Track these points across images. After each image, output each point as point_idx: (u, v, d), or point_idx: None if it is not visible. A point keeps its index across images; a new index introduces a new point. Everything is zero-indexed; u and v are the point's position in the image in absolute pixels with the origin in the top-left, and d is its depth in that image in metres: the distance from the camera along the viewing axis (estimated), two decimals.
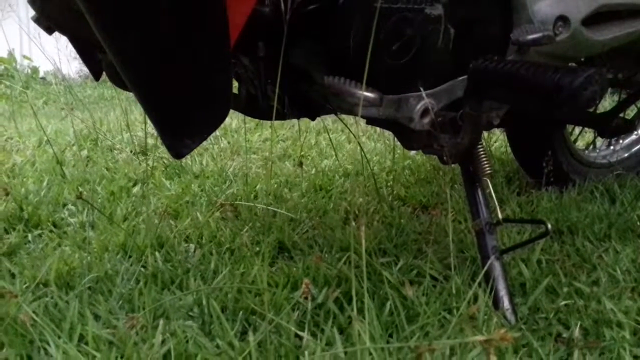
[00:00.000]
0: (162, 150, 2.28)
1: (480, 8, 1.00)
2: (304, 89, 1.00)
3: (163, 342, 0.84)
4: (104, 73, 1.08)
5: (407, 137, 1.06)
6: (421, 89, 0.95)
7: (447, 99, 0.99)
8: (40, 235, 1.34)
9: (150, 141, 2.44)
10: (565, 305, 0.98)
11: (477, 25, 1.00)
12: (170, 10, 0.67)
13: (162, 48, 0.69)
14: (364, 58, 0.86)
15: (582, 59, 1.37)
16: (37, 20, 0.92)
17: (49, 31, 0.91)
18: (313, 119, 1.13)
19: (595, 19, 1.10)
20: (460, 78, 0.98)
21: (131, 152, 2.28)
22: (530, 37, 0.99)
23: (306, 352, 0.78)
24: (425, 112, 0.96)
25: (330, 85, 0.86)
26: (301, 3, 0.82)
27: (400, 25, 0.88)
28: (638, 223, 1.34)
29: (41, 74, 7.37)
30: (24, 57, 6.98)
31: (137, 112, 3.50)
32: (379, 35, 0.85)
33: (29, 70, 7.32)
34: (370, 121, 1.10)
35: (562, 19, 1.04)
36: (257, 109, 1.11)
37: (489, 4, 1.01)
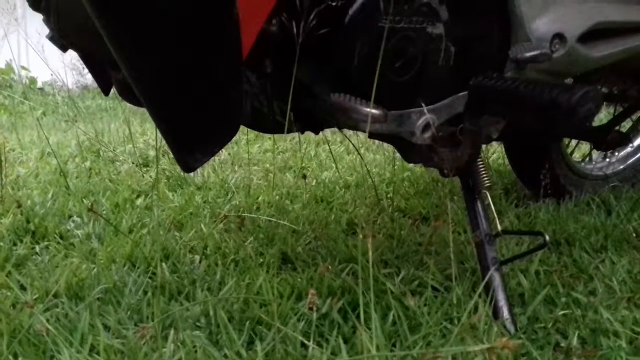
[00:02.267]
0: (164, 162, 2.31)
1: (479, 27, 1.04)
2: (309, 104, 1.02)
3: (173, 353, 0.86)
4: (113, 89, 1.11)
5: (409, 150, 1.09)
6: (422, 104, 0.98)
7: (447, 114, 1.02)
8: (47, 247, 1.36)
9: (152, 153, 2.47)
10: (564, 315, 1.01)
11: (476, 43, 1.03)
12: (187, 28, 0.69)
13: (178, 65, 0.72)
14: (367, 75, 0.89)
15: (579, 75, 1.40)
16: (52, 38, 0.95)
17: (63, 49, 0.94)
18: (317, 133, 1.16)
19: (591, 35, 1.14)
20: (461, 94, 1.01)
21: (133, 163, 2.30)
22: (528, 54, 1.03)
23: None
24: (426, 127, 0.99)
25: (336, 102, 0.89)
26: (314, 28, 0.85)
27: (403, 43, 0.91)
28: (634, 234, 1.37)
29: (39, 85, 7.40)
30: (22, 67, 7.02)
31: (137, 124, 3.52)
32: (382, 53, 0.88)
33: (27, 81, 7.35)
34: (372, 135, 1.13)
35: (559, 37, 1.08)
36: (261, 123, 1.14)
37: (487, 23, 1.04)
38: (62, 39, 0.92)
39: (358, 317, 0.94)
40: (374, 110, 0.88)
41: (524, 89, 0.85)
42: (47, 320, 0.93)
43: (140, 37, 0.71)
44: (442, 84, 1.00)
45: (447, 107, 1.02)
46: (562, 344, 0.93)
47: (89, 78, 8.26)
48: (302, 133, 1.20)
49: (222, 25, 0.73)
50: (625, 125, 1.72)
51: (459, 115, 1.02)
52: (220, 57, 0.76)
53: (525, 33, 1.05)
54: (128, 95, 1.04)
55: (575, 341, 0.92)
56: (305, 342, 0.86)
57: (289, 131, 1.11)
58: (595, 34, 1.16)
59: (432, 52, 0.96)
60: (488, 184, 1.09)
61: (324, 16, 0.88)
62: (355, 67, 0.90)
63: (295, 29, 0.84)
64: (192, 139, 0.82)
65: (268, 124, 1.09)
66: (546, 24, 1.07)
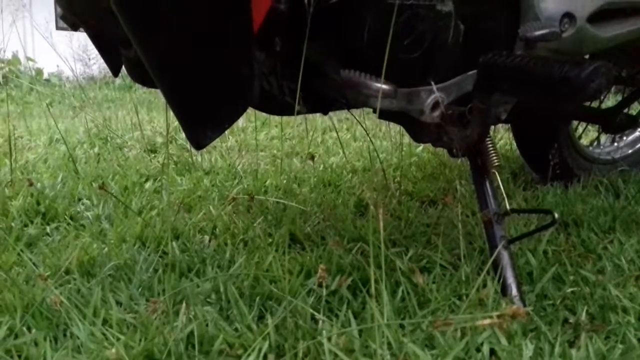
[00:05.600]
0: (172, 148, 2.32)
1: (488, 5, 1.04)
2: (318, 83, 1.03)
3: (184, 325, 0.87)
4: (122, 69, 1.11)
5: (417, 130, 1.09)
6: (432, 82, 0.98)
7: (456, 93, 1.02)
8: (57, 228, 1.37)
9: (159, 139, 2.48)
10: (572, 292, 1.01)
11: (485, 21, 1.03)
12: (199, 1, 0.70)
13: (190, 40, 0.73)
14: (377, 52, 0.89)
15: (587, 57, 1.40)
16: (63, 17, 0.95)
17: (74, 27, 0.95)
18: (325, 113, 1.16)
19: (600, 16, 1.13)
20: (470, 73, 1.01)
21: (141, 149, 2.31)
22: (538, 33, 1.03)
23: (324, 332, 0.82)
24: (435, 105, 0.99)
25: (346, 79, 0.89)
26: (323, 5, 0.85)
27: (412, 20, 0.91)
28: None
29: (45, 76, 7.43)
30: (28, 58, 7.04)
31: (144, 112, 3.54)
32: (392, 30, 0.89)
33: (33, 72, 7.37)
34: (381, 115, 1.13)
35: (568, 16, 1.07)
36: (270, 104, 1.15)
37: (496, 2, 1.04)
38: (73, 17, 0.92)
39: (367, 294, 0.95)
40: (384, 86, 0.88)
41: (534, 65, 0.85)
42: (60, 296, 0.94)
43: (152, 11, 0.72)
44: (451, 62, 1.00)
45: (456, 85, 1.01)
46: (571, 320, 0.93)
47: (94, 69, 8.27)
48: (312, 114, 1.21)
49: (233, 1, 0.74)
50: (634, 109, 1.71)
51: (468, 94, 1.02)
52: (231, 32, 0.76)
53: (535, 12, 1.04)
54: (138, 74, 1.05)
55: (584, 317, 0.92)
56: (316, 314, 0.87)
57: (298, 112, 1.12)
58: (604, 14, 1.15)
59: (442, 30, 0.95)
60: (497, 164, 1.10)
61: None
62: (365, 44, 0.90)
63: (306, 4, 0.84)
64: (203, 114, 0.83)
65: (277, 105, 1.10)
66: (555, 3, 1.07)
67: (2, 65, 6.51)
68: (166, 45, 0.74)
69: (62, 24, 9.22)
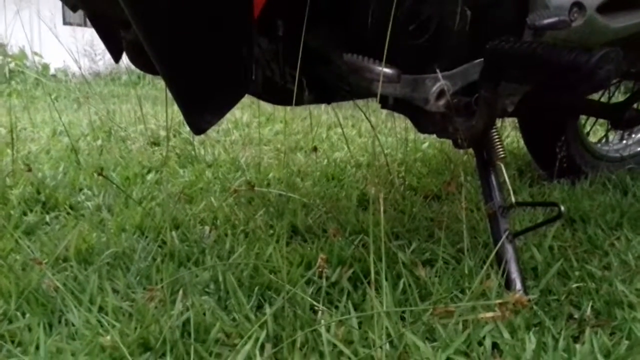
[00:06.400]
0: (175, 141, 2.31)
1: None
2: (322, 70, 1.01)
3: (181, 313, 0.85)
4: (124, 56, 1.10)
5: (422, 120, 1.07)
6: (437, 70, 0.96)
7: (462, 82, 1.00)
8: (57, 217, 1.36)
9: (163, 133, 2.47)
10: (577, 287, 0.99)
11: (493, 8, 1.01)
12: None
13: (188, 19, 0.71)
14: (381, 37, 0.87)
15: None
16: None
17: (74, 9, 0.93)
18: (329, 102, 1.14)
19: (610, 6, 1.11)
20: (476, 61, 0.99)
21: (145, 142, 2.30)
22: (546, 21, 1.00)
23: (322, 321, 0.80)
24: (440, 93, 0.97)
25: (349, 62, 0.87)
26: None
27: (418, 5, 0.89)
28: None
29: (52, 71, 7.44)
30: (35, 53, 7.06)
31: (149, 106, 3.53)
32: (397, 14, 0.87)
33: (40, 67, 7.38)
34: (385, 105, 1.11)
35: (578, 5, 1.05)
36: (272, 93, 1.13)
37: None
38: None
39: (368, 285, 0.93)
40: (386, 69, 0.86)
41: (542, 52, 0.83)
42: (57, 282, 0.93)
43: None
44: (458, 50, 0.98)
45: (462, 74, 0.99)
46: (576, 315, 0.91)
47: (100, 65, 8.29)
48: (315, 103, 1.19)
49: None
50: None
51: (474, 84, 1.00)
52: (230, 12, 0.75)
53: (543, 0, 1.02)
54: (139, 59, 1.03)
55: (589, 312, 0.90)
56: (315, 304, 0.85)
57: (301, 102, 1.10)
58: (614, 5, 1.13)
59: (447, 16, 0.93)
60: (503, 156, 1.07)
61: None
62: (370, 28, 0.88)
63: None
64: (201, 98, 0.81)
65: (279, 94, 1.08)
66: None
67: (9, 60, 6.53)
68: (164, 24, 0.72)
69: (69, 19, 9.24)
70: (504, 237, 0.99)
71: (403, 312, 0.90)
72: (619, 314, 0.90)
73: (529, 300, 0.85)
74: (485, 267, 0.93)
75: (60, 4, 1.06)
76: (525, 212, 1.34)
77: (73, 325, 0.84)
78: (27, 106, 3.47)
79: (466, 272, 1.00)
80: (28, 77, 6.03)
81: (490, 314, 0.77)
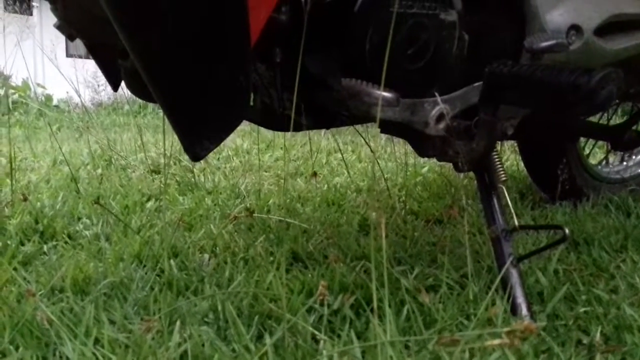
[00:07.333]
0: (176, 168, 2.30)
1: (493, 16, 1.02)
2: (320, 96, 1.00)
3: (179, 345, 0.83)
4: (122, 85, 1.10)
5: (422, 143, 1.06)
6: (436, 94, 0.96)
7: (461, 105, 0.99)
8: (55, 247, 1.34)
9: (163, 160, 2.46)
10: (585, 312, 0.97)
11: (490, 32, 1.01)
12: (194, 7, 0.68)
13: (184, 46, 0.70)
14: (379, 62, 0.87)
15: None
16: (60, 27, 0.94)
17: (71, 38, 0.93)
18: (328, 127, 1.14)
19: (607, 29, 1.11)
20: (475, 84, 0.99)
21: (145, 170, 2.30)
22: (544, 44, 1.00)
23: (324, 352, 0.78)
24: (440, 117, 0.96)
25: (348, 87, 0.87)
26: (324, 14, 0.83)
27: (416, 30, 0.89)
28: None
29: (55, 102, 7.50)
30: (38, 85, 7.12)
31: (150, 135, 3.53)
32: (395, 39, 0.86)
33: (43, 98, 7.44)
34: (385, 129, 1.11)
35: (575, 28, 1.05)
36: (271, 119, 1.13)
37: (501, 13, 1.02)
38: (69, 26, 0.91)
39: (371, 312, 0.91)
40: (385, 93, 0.86)
41: (542, 73, 0.83)
42: (52, 314, 0.91)
43: (147, 17, 0.70)
44: (456, 74, 0.98)
45: (461, 97, 0.99)
46: (585, 341, 0.89)
47: (103, 95, 8.35)
48: (313, 129, 1.18)
49: (230, 5, 0.72)
50: None
51: (474, 107, 1.00)
52: (227, 39, 0.74)
53: (540, 24, 1.02)
54: (136, 87, 1.03)
55: (598, 337, 0.88)
56: (317, 333, 0.83)
57: (299, 128, 1.09)
58: (611, 27, 1.13)
59: (445, 40, 0.93)
60: (504, 179, 1.06)
61: (335, 2, 0.86)
62: (368, 54, 0.88)
63: (305, 9, 0.82)
64: (199, 125, 0.80)
65: (278, 120, 1.08)
66: (562, 16, 1.05)
67: (12, 91, 6.58)
68: (161, 53, 0.72)
69: (71, 51, 9.34)
70: (508, 261, 0.97)
71: (407, 340, 0.87)
72: (629, 338, 0.88)
73: (539, 329, 0.83)
74: (490, 293, 0.91)
75: (63, 37, 1.07)
76: (529, 235, 1.32)
77: (68, 358, 0.82)
78: (29, 136, 3.48)
79: (471, 297, 0.98)
80: (31, 108, 6.07)
81: (497, 341, 0.75)
